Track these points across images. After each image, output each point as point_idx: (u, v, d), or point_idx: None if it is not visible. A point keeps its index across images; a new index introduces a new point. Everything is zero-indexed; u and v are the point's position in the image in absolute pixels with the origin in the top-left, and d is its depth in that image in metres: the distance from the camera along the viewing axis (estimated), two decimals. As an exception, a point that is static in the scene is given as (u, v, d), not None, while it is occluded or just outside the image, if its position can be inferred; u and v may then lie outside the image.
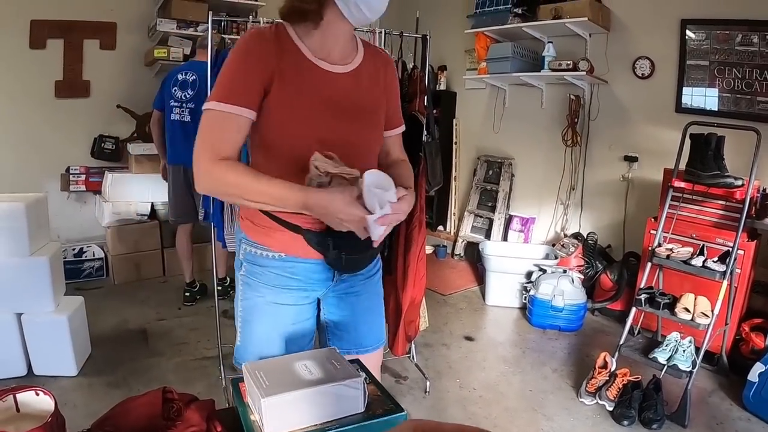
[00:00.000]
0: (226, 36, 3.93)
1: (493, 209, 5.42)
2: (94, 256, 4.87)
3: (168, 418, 1.20)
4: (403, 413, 1.14)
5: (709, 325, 2.92)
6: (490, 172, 5.56)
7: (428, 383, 3.18)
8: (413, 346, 3.35)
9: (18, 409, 1.10)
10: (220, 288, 3.97)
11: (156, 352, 3.55)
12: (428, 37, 3.12)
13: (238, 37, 4.38)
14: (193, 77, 3.88)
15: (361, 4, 1.41)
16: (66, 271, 3.57)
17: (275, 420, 1.06)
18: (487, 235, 5.40)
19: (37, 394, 1.10)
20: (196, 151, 1.39)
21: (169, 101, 3.93)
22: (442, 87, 5.92)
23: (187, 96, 3.88)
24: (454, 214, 5.95)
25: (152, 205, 4.85)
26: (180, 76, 3.92)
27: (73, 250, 4.77)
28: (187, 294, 4.34)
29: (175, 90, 3.91)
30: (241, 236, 1.61)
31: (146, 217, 4.84)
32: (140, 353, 3.52)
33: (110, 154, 4.99)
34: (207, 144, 1.39)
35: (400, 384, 3.27)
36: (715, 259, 3.06)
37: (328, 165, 1.35)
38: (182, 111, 3.90)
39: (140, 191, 4.75)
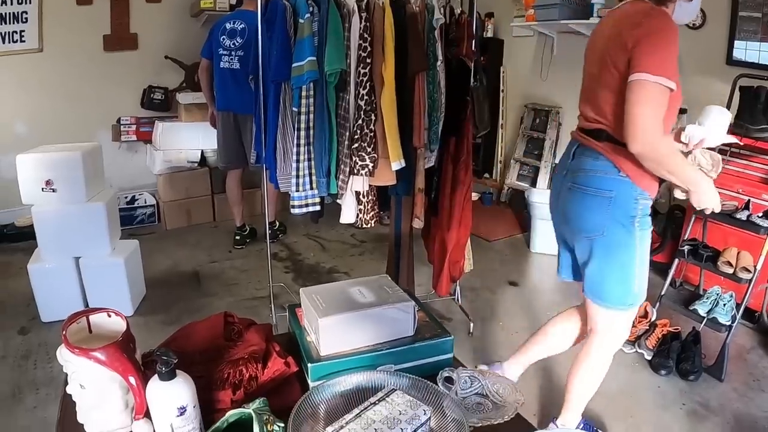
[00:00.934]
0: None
1: (539, 157, 5.35)
2: (146, 203, 5.02)
3: (229, 339, 1.29)
4: (450, 337, 1.21)
5: (751, 280, 2.88)
6: (537, 121, 5.48)
7: (472, 325, 3.23)
8: (458, 288, 3.39)
9: (90, 330, 1.15)
10: (270, 231, 4.06)
11: (208, 292, 3.70)
12: (475, -18, 3.07)
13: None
14: (242, 26, 3.91)
15: (691, 12, 1.92)
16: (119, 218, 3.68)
17: (330, 340, 1.14)
18: (533, 183, 5.34)
19: (110, 316, 1.15)
20: (644, 119, 1.65)
21: (217, 50, 3.97)
22: (489, 34, 5.79)
23: (236, 44, 3.91)
24: (500, 161, 5.90)
25: (202, 152, 4.94)
26: (228, 25, 3.96)
27: (126, 198, 4.91)
28: (238, 237, 4.46)
29: (223, 39, 3.95)
30: (637, 193, 1.82)
31: (196, 164, 4.95)
32: (193, 294, 3.67)
33: (160, 104, 5.08)
34: (658, 119, 1.67)
35: (445, 324, 3.32)
36: (760, 214, 2.99)
37: (705, 161, 1.82)
38: (231, 59, 3.94)
39: (190, 139, 4.83)
